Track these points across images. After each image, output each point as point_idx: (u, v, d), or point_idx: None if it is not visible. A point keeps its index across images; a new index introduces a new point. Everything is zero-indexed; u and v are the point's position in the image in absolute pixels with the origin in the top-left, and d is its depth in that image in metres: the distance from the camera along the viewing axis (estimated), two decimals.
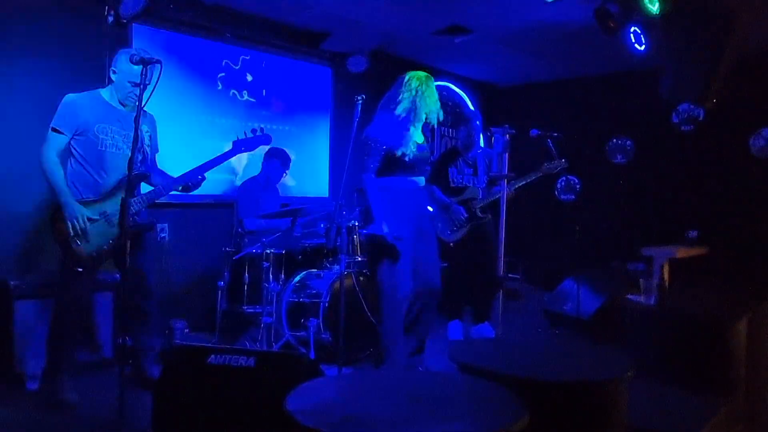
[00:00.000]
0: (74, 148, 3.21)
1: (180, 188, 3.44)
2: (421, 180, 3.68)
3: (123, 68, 3.23)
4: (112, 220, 3.21)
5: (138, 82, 3.16)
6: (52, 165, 3.13)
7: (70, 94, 3.23)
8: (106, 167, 3.24)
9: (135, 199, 3.28)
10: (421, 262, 3.61)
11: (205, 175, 3.48)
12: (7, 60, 3.96)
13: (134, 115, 3.31)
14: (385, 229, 3.44)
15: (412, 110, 3.52)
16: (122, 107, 3.31)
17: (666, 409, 2.78)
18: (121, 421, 2.51)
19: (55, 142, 3.15)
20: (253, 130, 3.64)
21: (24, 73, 4.02)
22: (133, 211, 3.25)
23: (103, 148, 3.22)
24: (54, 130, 3.15)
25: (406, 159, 3.51)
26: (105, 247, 3.20)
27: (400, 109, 3.51)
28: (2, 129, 3.96)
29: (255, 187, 4.78)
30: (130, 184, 2.65)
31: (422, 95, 3.54)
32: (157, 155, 3.58)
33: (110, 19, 4.27)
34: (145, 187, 3.57)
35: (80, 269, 3.15)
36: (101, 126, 3.22)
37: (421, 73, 3.62)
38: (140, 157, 3.39)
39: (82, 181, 3.20)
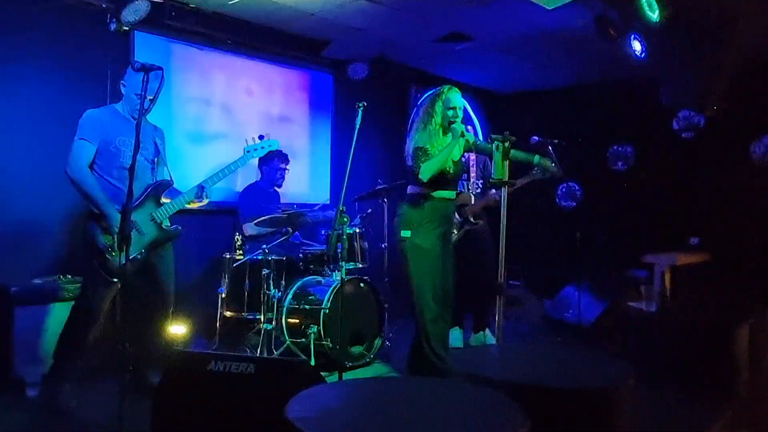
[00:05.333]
0: (96, 162, 3.25)
1: (189, 203, 3.48)
2: (452, 193, 3.75)
3: (130, 81, 3.30)
4: (142, 229, 3.27)
5: (143, 94, 3.21)
6: (86, 175, 3.16)
7: (90, 110, 3.30)
8: (128, 178, 3.25)
9: (161, 209, 3.37)
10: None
11: (192, 182, 3.57)
12: (9, 67, 3.97)
13: (148, 127, 3.40)
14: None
15: (434, 120, 3.61)
16: (134, 120, 3.34)
17: (668, 414, 2.78)
18: (121, 428, 2.49)
19: (84, 152, 3.18)
20: (260, 137, 3.71)
21: (26, 81, 4.03)
22: (158, 220, 3.35)
23: (125, 159, 3.25)
24: (83, 140, 3.18)
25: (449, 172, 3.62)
26: (138, 256, 3.24)
27: (428, 121, 3.62)
28: (3, 136, 3.96)
29: (256, 193, 4.78)
30: (130, 192, 2.65)
31: (435, 106, 3.64)
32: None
33: (112, 26, 4.28)
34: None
35: (115, 279, 3.17)
36: (121, 138, 3.28)
37: (444, 87, 3.71)
38: (157, 169, 3.47)
39: (107, 194, 3.21)
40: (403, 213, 3.64)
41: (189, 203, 3.49)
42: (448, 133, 3.60)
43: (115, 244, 3.15)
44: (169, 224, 3.46)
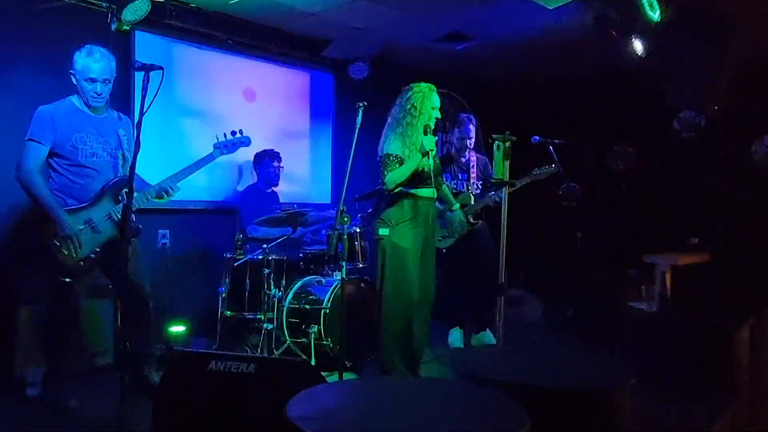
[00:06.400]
0: (54, 159, 3.16)
1: (155, 196, 3.36)
2: (433, 191, 3.65)
3: (77, 68, 3.18)
4: (98, 227, 3.18)
5: (94, 77, 3.15)
6: (35, 177, 3.06)
7: (43, 106, 3.17)
8: (88, 175, 3.21)
9: (119, 206, 3.25)
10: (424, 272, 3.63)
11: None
12: (8, 66, 3.97)
13: (111, 117, 3.33)
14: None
15: (418, 122, 3.49)
16: (93, 112, 3.27)
17: (668, 416, 2.77)
18: (122, 428, 2.50)
19: (35, 154, 3.09)
20: (233, 132, 3.63)
21: (25, 79, 4.03)
22: (116, 218, 3.23)
23: (83, 157, 3.19)
24: (32, 141, 3.09)
25: (425, 171, 3.48)
26: (92, 255, 3.17)
27: (409, 123, 3.50)
28: (4, 134, 3.96)
29: (256, 193, 4.78)
30: (130, 189, 2.64)
31: (421, 106, 3.52)
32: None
33: (113, 25, 4.29)
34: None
35: (68, 279, 3.12)
36: (78, 135, 3.18)
37: (423, 85, 3.60)
38: (121, 162, 3.38)
39: (65, 191, 3.16)
40: (382, 212, 3.56)
41: (154, 198, 3.37)
42: (427, 134, 3.49)
43: (64, 246, 3.07)
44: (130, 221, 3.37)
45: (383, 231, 3.51)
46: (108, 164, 3.29)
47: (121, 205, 3.26)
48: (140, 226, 3.40)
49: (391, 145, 3.49)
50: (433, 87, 3.61)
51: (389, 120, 3.60)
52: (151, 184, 3.40)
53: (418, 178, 3.50)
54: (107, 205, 3.23)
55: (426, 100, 3.53)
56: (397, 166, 3.44)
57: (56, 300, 3.20)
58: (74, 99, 3.27)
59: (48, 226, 3.08)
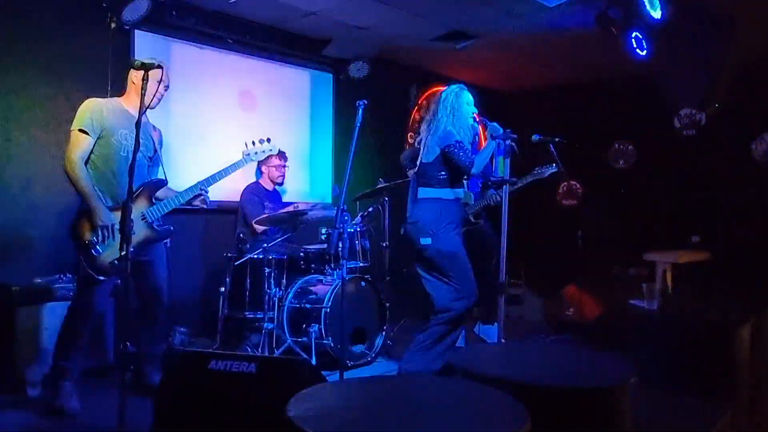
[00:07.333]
0: (94, 153, 3.18)
1: (184, 203, 3.43)
2: (463, 192, 3.74)
3: (138, 76, 3.23)
4: (134, 227, 3.20)
5: (161, 79, 3.17)
6: (80, 168, 3.10)
7: (92, 99, 3.23)
8: (124, 171, 3.19)
9: (152, 208, 3.31)
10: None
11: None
12: (9, 66, 3.97)
13: (147, 124, 3.37)
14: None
15: (460, 127, 3.61)
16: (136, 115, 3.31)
17: (669, 415, 2.77)
18: (122, 428, 2.49)
19: (81, 145, 3.13)
20: (261, 141, 3.68)
21: (26, 79, 4.03)
22: (150, 219, 3.29)
23: (126, 154, 3.21)
24: (81, 131, 3.12)
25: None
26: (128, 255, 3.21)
27: (451, 128, 3.58)
28: (3, 133, 3.96)
29: (257, 191, 4.78)
30: (130, 190, 2.64)
31: (457, 110, 3.63)
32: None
33: (112, 25, 4.29)
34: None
35: (102, 277, 3.14)
36: (123, 132, 3.22)
37: (454, 87, 3.73)
38: (152, 168, 3.43)
39: (102, 188, 3.18)
40: (421, 220, 3.55)
41: (185, 203, 3.43)
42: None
43: (101, 241, 3.11)
44: (161, 224, 3.40)
45: (425, 240, 3.51)
46: (143, 166, 3.33)
47: (155, 206, 3.32)
48: (171, 228, 3.45)
49: (455, 132, 3.56)
50: (462, 86, 3.75)
51: (434, 117, 3.67)
52: (177, 191, 3.44)
53: (455, 179, 3.60)
54: (141, 205, 3.27)
55: (463, 97, 3.68)
56: (463, 151, 3.51)
57: (84, 298, 3.20)
58: (121, 100, 3.34)
59: (87, 221, 3.10)
